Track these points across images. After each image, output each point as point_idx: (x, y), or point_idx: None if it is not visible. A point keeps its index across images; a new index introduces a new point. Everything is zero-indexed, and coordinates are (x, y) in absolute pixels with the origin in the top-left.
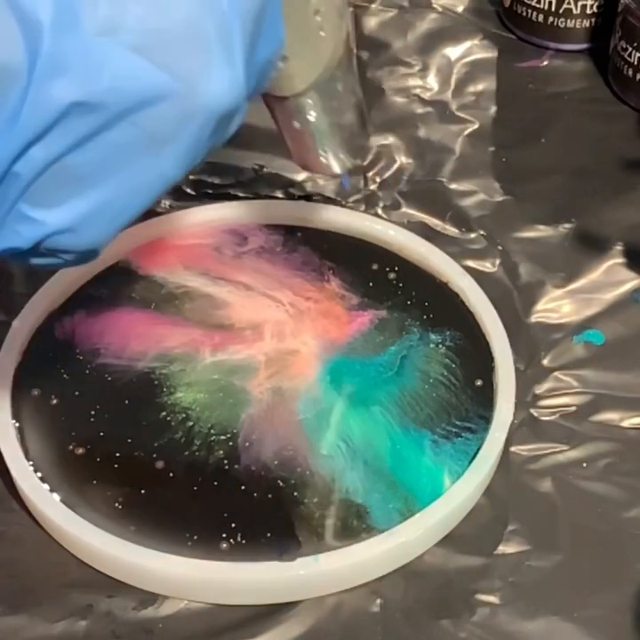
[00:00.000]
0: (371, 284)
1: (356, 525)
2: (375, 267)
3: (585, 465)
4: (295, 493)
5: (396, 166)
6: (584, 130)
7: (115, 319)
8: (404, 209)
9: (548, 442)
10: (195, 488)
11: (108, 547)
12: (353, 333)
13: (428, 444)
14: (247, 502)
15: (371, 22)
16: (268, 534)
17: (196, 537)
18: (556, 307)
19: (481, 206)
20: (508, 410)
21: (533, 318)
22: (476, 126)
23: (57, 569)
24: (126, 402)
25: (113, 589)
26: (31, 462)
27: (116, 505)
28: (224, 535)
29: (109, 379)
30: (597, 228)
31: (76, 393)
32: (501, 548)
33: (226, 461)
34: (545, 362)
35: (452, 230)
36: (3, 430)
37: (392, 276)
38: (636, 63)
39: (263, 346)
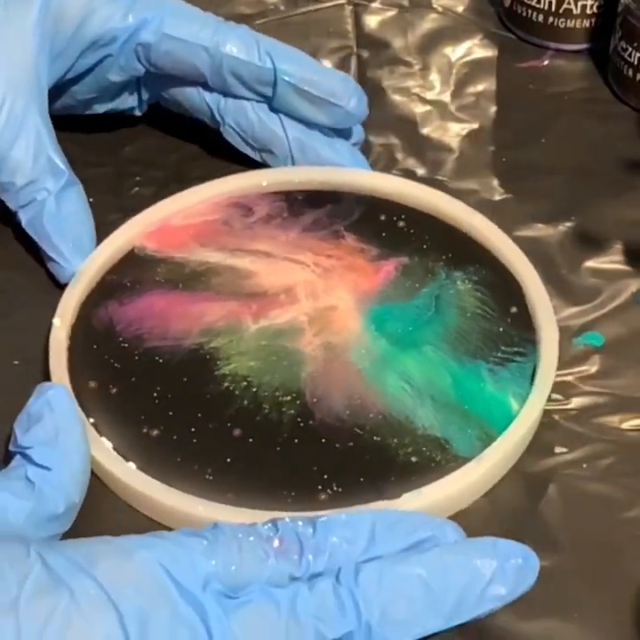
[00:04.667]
0: (384, 234)
1: (441, 457)
2: (383, 217)
3: (585, 466)
4: (375, 437)
5: (396, 166)
6: (584, 130)
7: (148, 303)
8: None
9: (548, 443)
10: (277, 448)
11: (221, 516)
12: (382, 282)
13: (485, 373)
14: (331, 453)
15: (371, 22)
16: (362, 479)
17: (293, 493)
18: (556, 308)
19: (481, 206)
20: (552, 329)
21: None
22: (475, 126)
23: None
24: (185, 379)
25: None
26: (116, 451)
27: (207, 477)
28: (320, 487)
29: (161, 360)
30: (597, 228)
31: (133, 379)
32: None
33: (299, 419)
34: None
35: None
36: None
37: (401, 224)
38: (636, 63)
39: (301, 307)
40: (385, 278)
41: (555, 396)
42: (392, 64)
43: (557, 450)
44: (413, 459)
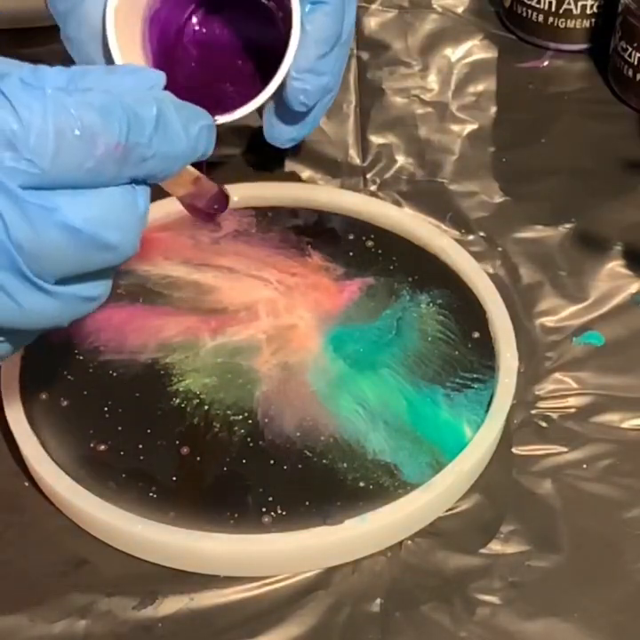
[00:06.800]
0: (351, 253)
1: (389, 483)
2: (351, 237)
3: (585, 466)
4: (324, 460)
5: (396, 167)
6: (584, 130)
7: (107, 316)
8: (404, 210)
9: (549, 443)
10: (224, 468)
11: (159, 536)
12: (345, 302)
13: (441, 399)
14: (279, 475)
15: (371, 23)
16: (307, 503)
17: (236, 515)
18: (557, 308)
19: (481, 207)
20: (512, 356)
21: (534, 320)
22: (475, 127)
23: (57, 569)
24: (137, 394)
25: (113, 589)
26: (58, 465)
27: (151, 494)
28: (264, 509)
29: (115, 374)
30: (597, 229)
31: (85, 392)
32: (501, 548)
33: (249, 439)
34: (545, 363)
35: (451, 232)
36: (24, 437)
37: (370, 243)
38: (635, 63)
39: (260, 324)
40: (348, 298)
41: (554, 395)
42: (392, 65)
43: (557, 450)
44: (361, 483)
